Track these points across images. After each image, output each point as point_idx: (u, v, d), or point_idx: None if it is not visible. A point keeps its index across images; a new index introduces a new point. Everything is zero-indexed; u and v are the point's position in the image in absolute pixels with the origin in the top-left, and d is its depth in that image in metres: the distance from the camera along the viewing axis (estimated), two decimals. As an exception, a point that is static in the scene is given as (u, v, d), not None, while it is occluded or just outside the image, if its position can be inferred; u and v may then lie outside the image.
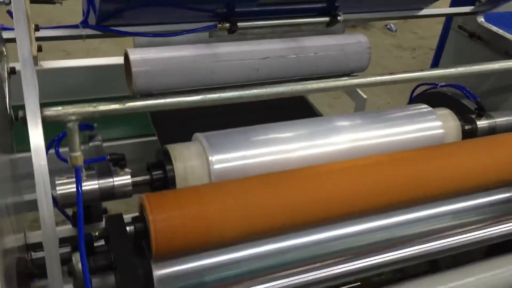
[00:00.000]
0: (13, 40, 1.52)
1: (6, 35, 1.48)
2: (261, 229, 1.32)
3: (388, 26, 6.85)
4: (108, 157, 1.39)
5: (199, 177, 1.48)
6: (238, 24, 1.80)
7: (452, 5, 3.58)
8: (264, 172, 1.45)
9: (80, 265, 1.12)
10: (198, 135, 1.56)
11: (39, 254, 1.42)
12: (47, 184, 0.96)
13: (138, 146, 2.40)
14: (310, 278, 1.32)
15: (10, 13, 1.13)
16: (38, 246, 1.42)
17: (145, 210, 1.23)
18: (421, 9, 2.10)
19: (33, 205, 2.03)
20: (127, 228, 1.25)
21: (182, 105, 1.23)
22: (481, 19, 2.19)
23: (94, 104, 1.07)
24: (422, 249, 1.39)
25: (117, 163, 1.40)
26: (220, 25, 1.79)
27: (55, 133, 1.28)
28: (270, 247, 1.40)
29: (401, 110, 1.82)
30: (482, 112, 1.89)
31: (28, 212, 1.84)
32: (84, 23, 1.63)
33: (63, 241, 1.26)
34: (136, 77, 1.84)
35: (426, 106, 1.82)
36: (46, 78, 2.24)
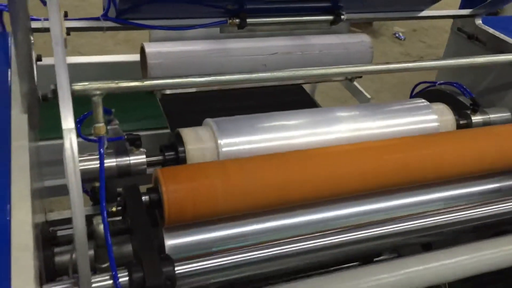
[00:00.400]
0: (39, 30, 1.67)
1: (33, 25, 1.62)
2: (264, 202, 1.44)
3: (397, 35, 6.96)
4: (125, 137, 1.52)
5: (209, 158, 1.60)
6: (248, 20, 1.93)
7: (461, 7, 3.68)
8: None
9: (100, 227, 1.24)
10: (208, 120, 1.68)
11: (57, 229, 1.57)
12: (76, 157, 1.08)
13: (150, 138, 2.53)
14: (309, 246, 1.43)
15: (42, 0, 1.27)
16: (56, 224, 1.57)
17: (160, 181, 1.35)
18: (421, 10, 2.22)
19: (51, 191, 2.16)
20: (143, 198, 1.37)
21: (195, 84, 1.36)
22: (479, 21, 2.30)
23: (116, 81, 1.20)
24: (411, 225, 1.49)
25: (133, 143, 1.53)
26: (230, 20, 1.92)
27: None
28: (273, 222, 1.52)
29: (399, 103, 1.94)
30: (476, 108, 2.00)
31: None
32: (105, 16, 1.77)
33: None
34: (151, 68, 1.98)
35: (423, 100, 1.94)
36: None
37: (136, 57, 2.21)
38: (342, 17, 2.07)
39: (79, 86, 1.15)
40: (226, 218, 1.45)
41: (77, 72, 2.48)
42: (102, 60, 2.57)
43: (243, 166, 1.45)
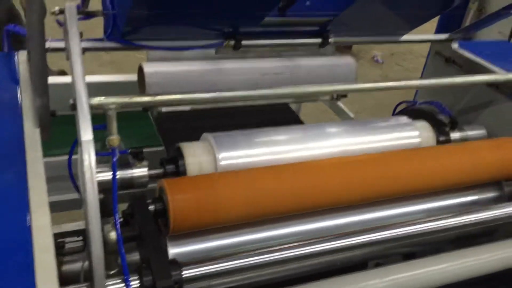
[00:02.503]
0: (53, 50, 1.75)
1: (48, 44, 1.70)
2: (264, 212, 1.54)
3: (376, 59, 7.22)
4: (129, 150, 1.60)
5: (207, 171, 1.69)
6: (242, 42, 2.05)
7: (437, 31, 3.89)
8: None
9: (111, 235, 1.32)
10: (206, 135, 1.78)
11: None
12: (93, 168, 1.16)
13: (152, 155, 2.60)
14: (300, 253, 1.53)
15: (59, 22, 1.36)
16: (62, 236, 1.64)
17: (165, 191, 1.44)
18: (402, 35, 2.38)
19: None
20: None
21: (201, 100, 1.45)
22: (455, 45, 2.47)
23: (130, 96, 1.30)
24: (394, 234, 1.61)
25: (136, 156, 1.61)
26: (226, 42, 2.03)
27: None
28: (272, 231, 1.62)
29: (383, 120, 2.07)
30: (455, 125, 2.14)
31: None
32: (108, 36, 1.87)
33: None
34: (148, 87, 2.07)
35: (405, 117, 2.08)
36: (57, 92, 2.44)
37: (132, 77, 2.30)
38: (330, 40, 2.21)
39: (96, 100, 1.25)
40: (227, 227, 1.54)
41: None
42: (99, 80, 2.65)
43: (244, 177, 1.55)
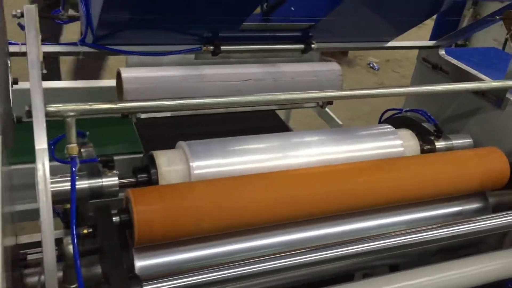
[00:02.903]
0: (16, 54, 1.70)
1: (11, 49, 1.66)
2: (236, 223, 1.48)
3: (371, 65, 7.16)
4: (99, 159, 1.55)
5: (181, 180, 1.63)
6: (222, 47, 2.00)
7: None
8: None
9: (69, 247, 1.26)
10: (181, 143, 1.73)
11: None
12: (47, 177, 1.11)
13: (126, 162, 2.54)
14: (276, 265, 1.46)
15: (21, 25, 1.32)
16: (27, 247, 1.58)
17: (130, 202, 1.38)
18: (387, 41, 2.33)
19: (22, 216, 2.16)
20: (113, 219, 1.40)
21: (168, 108, 1.40)
22: (442, 52, 2.42)
23: (90, 103, 1.25)
24: (374, 245, 1.55)
25: (106, 164, 1.56)
26: (204, 47, 1.99)
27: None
28: (246, 243, 1.56)
29: (366, 129, 2.02)
30: (439, 134, 2.09)
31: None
32: (82, 41, 1.82)
33: None
34: (127, 93, 2.02)
35: (389, 126, 2.02)
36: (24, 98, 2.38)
37: (111, 82, 2.25)
38: (313, 46, 2.16)
39: (53, 107, 1.19)
40: (199, 239, 1.48)
41: (50, 97, 2.53)
42: (77, 85, 2.60)
43: (212, 188, 1.49)
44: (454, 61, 2.36)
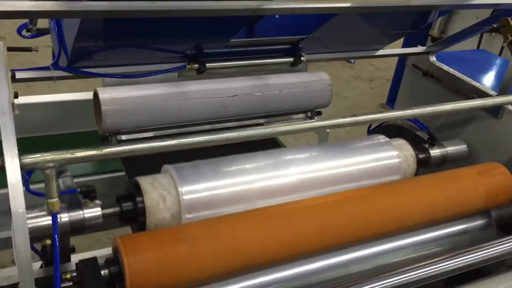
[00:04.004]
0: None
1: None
2: (233, 268, 1.37)
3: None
4: (79, 189, 1.40)
5: (169, 208, 1.51)
6: (207, 64, 1.87)
7: (404, 45, 3.78)
8: (233, 201, 1.53)
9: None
10: (167, 167, 1.59)
11: None
12: (25, 230, 0.97)
13: (106, 181, 2.39)
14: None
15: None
16: None
17: (120, 252, 1.25)
18: (378, 49, 2.24)
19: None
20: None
21: (156, 150, 1.27)
22: (433, 58, 2.34)
23: (72, 151, 1.10)
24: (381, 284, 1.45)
25: (87, 195, 1.41)
26: (189, 65, 1.85)
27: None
28: (241, 284, 1.44)
29: (360, 141, 1.92)
30: (434, 142, 2.02)
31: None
32: (55, 65, 1.66)
33: None
34: (105, 115, 1.86)
35: (383, 136, 1.93)
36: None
37: (89, 95, 2.08)
38: (302, 58, 2.06)
39: (29, 159, 1.04)
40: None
41: (27, 114, 2.36)
42: (54, 99, 2.42)
43: (211, 228, 1.37)
44: (446, 68, 2.29)
